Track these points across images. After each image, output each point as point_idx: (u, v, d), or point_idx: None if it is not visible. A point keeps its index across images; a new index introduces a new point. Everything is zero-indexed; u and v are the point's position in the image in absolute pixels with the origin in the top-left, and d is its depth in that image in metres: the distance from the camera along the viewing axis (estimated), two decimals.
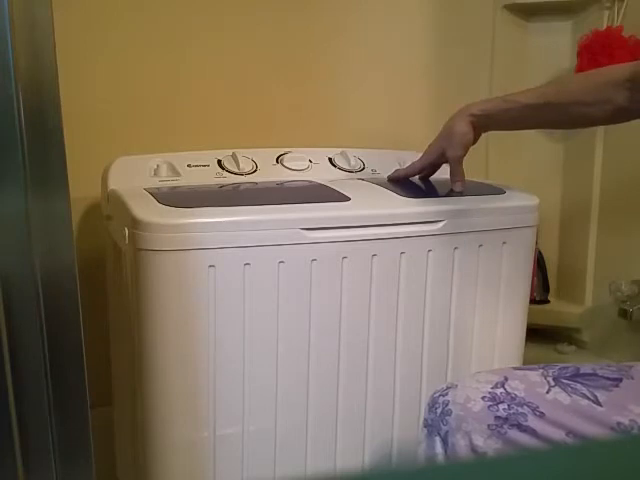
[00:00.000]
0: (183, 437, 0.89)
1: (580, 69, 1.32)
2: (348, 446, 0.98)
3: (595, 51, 1.30)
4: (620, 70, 0.85)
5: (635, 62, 0.86)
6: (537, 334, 1.40)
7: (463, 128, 0.95)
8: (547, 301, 1.50)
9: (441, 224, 0.96)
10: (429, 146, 1.03)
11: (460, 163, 0.98)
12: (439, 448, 0.76)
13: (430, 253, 0.96)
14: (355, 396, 0.96)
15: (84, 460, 0.65)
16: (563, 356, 1.46)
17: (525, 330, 1.07)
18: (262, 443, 0.93)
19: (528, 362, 1.01)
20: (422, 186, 1.07)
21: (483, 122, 0.95)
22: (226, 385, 0.89)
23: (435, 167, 1.05)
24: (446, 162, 1.00)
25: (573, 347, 1.49)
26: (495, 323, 1.03)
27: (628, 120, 0.87)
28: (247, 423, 0.91)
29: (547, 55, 1.42)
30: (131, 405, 0.95)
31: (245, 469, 0.93)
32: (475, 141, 0.98)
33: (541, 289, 1.49)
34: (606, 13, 1.36)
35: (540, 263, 1.47)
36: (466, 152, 0.97)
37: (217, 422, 0.89)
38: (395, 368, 0.98)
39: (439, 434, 0.76)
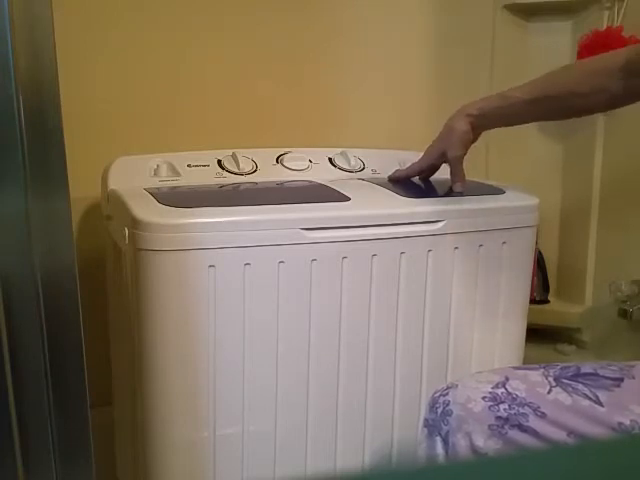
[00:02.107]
0: (183, 437, 0.89)
1: None
2: (348, 446, 0.98)
3: (595, 51, 1.30)
4: (614, 57, 0.85)
5: (628, 48, 0.85)
6: (537, 334, 1.40)
7: (462, 127, 0.95)
8: (547, 301, 1.50)
9: (441, 224, 0.96)
10: (429, 147, 1.02)
11: (460, 163, 0.98)
12: (440, 448, 0.76)
13: (430, 253, 0.96)
14: (355, 396, 0.96)
15: (84, 460, 0.65)
16: (563, 356, 1.46)
17: (525, 330, 1.07)
18: (262, 443, 0.93)
19: (528, 362, 1.01)
20: (422, 186, 1.07)
21: (482, 121, 0.95)
22: (226, 385, 0.89)
23: (435, 168, 1.05)
24: (446, 162, 1.00)
25: (573, 347, 1.49)
26: (495, 323, 1.03)
27: (623, 105, 0.88)
28: (247, 423, 0.91)
29: (547, 55, 1.42)
30: (131, 405, 0.95)
31: (245, 469, 0.93)
32: (475, 140, 0.98)
33: (541, 289, 1.49)
34: (606, 13, 1.35)
35: (540, 263, 1.47)
36: (466, 152, 0.97)
37: (217, 422, 0.89)
38: (395, 368, 0.98)
39: (440, 434, 0.76)
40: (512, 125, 1.01)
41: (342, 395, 0.96)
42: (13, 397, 0.59)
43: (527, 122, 1.09)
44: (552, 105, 0.91)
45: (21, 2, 0.55)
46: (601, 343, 1.45)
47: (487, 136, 1.01)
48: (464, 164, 0.99)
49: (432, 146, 1.02)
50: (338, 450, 0.97)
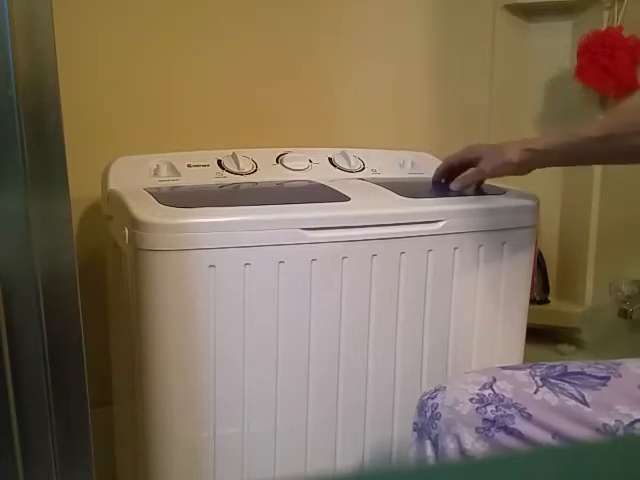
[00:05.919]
0: (183, 437, 0.89)
1: (580, 69, 1.32)
2: (348, 446, 0.98)
3: (595, 51, 1.30)
4: None
5: None
6: (537, 334, 1.40)
7: (512, 159, 0.90)
8: (547, 301, 1.50)
9: (441, 224, 0.96)
10: (474, 145, 0.99)
11: (480, 178, 0.97)
12: (429, 452, 0.75)
13: (430, 253, 0.96)
14: (355, 396, 0.96)
15: (84, 460, 0.65)
16: (563, 356, 1.46)
17: (525, 330, 1.07)
18: (262, 443, 0.93)
19: (527, 362, 1.01)
20: (422, 186, 1.07)
21: (543, 157, 0.89)
22: (226, 385, 0.89)
23: (470, 164, 1.00)
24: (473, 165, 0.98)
25: (573, 347, 1.49)
26: (495, 323, 1.03)
27: None
28: (247, 423, 0.91)
29: (547, 55, 1.42)
30: (131, 405, 0.95)
31: (245, 469, 0.93)
32: (523, 174, 0.93)
33: (541, 289, 1.49)
34: (606, 13, 1.36)
35: (540, 263, 1.47)
36: (492, 177, 0.95)
37: (217, 422, 0.89)
38: (395, 368, 0.98)
39: (429, 438, 0.75)
40: (574, 165, 0.95)
41: (342, 395, 0.96)
42: (13, 397, 0.59)
43: (592, 163, 1.00)
44: (620, 144, 0.81)
45: (21, 2, 0.55)
46: (601, 343, 1.45)
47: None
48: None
49: (476, 147, 0.98)
50: (338, 450, 0.97)
